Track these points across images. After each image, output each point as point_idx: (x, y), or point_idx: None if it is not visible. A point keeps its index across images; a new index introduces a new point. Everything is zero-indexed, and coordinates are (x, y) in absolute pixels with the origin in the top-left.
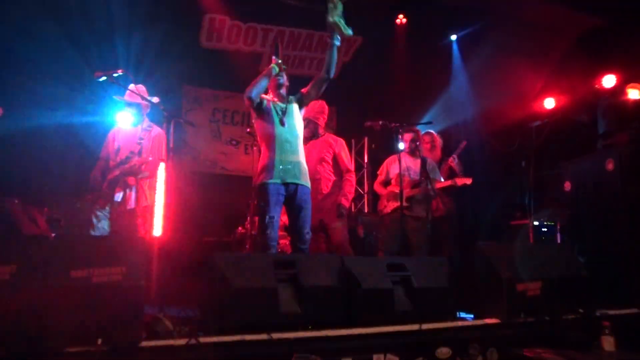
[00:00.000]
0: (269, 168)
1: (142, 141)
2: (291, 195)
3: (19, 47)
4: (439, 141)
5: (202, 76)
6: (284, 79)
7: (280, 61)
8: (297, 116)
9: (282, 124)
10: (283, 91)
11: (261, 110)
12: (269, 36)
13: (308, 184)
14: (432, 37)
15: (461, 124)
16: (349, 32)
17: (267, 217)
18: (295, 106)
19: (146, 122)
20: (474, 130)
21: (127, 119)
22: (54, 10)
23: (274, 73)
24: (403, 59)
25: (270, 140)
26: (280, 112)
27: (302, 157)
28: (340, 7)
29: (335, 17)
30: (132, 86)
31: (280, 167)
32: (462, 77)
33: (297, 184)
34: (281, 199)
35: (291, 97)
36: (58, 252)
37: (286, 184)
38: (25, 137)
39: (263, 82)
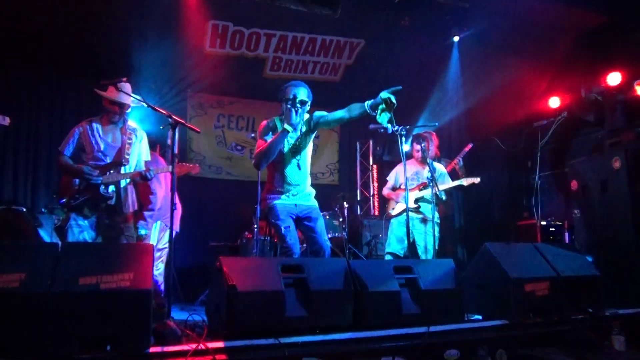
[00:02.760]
0: (276, 192)
1: (130, 141)
2: (300, 213)
3: (27, 55)
4: (435, 140)
5: (206, 82)
6: (301, 125)
7: (297, 108)
8: (308, 145)
9: (292, 153)
10: (301, 127)
11: (273, 134)
12: (271, 41)
13: (317, 205)
14: (436, 38)
15: (466, 124)
16: (389, 127)
17: (283, 228)
18: (305, 131)
19: (128, 122)
20: (479, 130)
21: (110, 118)
22: (60, 17)
23: (285, 137)
24: (406, 61)
25: (278, 165)
26: (292, 147)
27: (308, 183)
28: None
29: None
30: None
31: (288, 193)
32: (466, 78)
33: (305, 205)
34: (291, 214)
35: (305, 123)
36: (66, 259)
37: (295, 204)
38: (32, 146)
39: (273, 152)
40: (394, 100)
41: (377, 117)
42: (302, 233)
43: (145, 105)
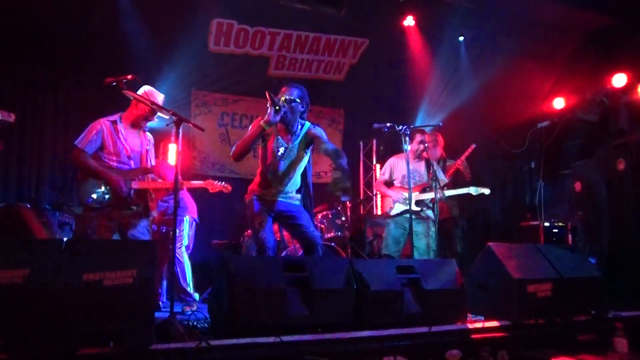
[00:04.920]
0: (255, 192)
1: (148, 147)
2: (279, 209)
3: (32, 53)
4: (441, 141)
5: (211, 80)
6: (289, 118)
7: (277, 106)
8: (298, 157)
9: (278, 164)
10: (292, 126)
11: (264, 142)
12: (276, 40)
13: (297, 203)
14: (440, 38)
15: (470, 125)
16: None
17: (257, 223)
18: (301, 143)
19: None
20: (483, 131)
21: (138, 122)
22: (65, 15)
23: (260, 135)
24: (411, 61)
25: (265, 171)
26: (281, 151)
27: (292, 187)
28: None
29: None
30: (147, 88)
31: (265, 192)
32: (470, 78)
33: (283, 202)
34: (265, 209)
35: (302, 135)
36: (70, 255)
37: (275, 200)
38: (37, 143)
39: (248, 145)
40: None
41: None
42: (289, 232)
43: (149, 104)
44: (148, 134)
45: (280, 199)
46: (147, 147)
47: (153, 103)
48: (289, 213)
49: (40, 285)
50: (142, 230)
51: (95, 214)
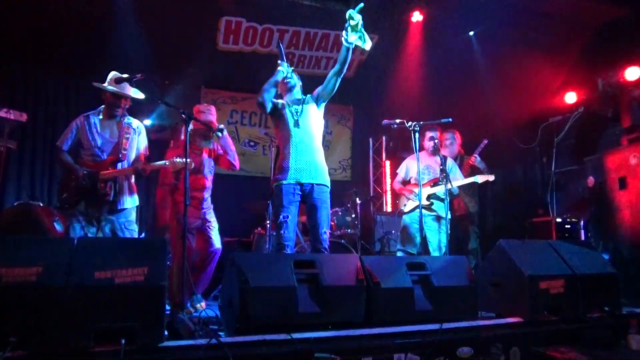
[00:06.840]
0: (284, 169)
1: (128, 136)
2: (307, 194)
3: (44, 54)
4: (459, 138)
5: (220, 78)
6: (294, 80)
7: (286, 64)
8: (313, 116)
9: (297, 125)
10: (296, 92)
11: (276, 114)
12: (284, 37)
13: (326, 182)
14: (449, 33)
15: (481, 120)
16: (368, 45)
17: (281, 216)
18: (311, 106)
19: (126, 116)
20: (494, 126)
21: (110, 112)
22: (76, 15)
23: (281, 77)
24: (419, 56)
25: (286, 141)
26: (294, 114)
27: (318, 157)
28: (359, 22)
29: (355, 34)
30: (111, 75)
31: (295, 167)
32: (480, 73)
33: (312, 184)
34: (296, 199)
35: (307, 97)
36: (82, 253)
37: (301, 184)
38: (49, 142)
39: (272, 88)
40: (352, 16)
41: (350, 39)
42: (305, 214)
43: (160, 102)
44: (132, 122)
45: (308, 180)
46: (127, 136)
47: (110, 92)
48: (314, 203)
49: (53, 282)
50: (129, 227)
51: (71, 211)
